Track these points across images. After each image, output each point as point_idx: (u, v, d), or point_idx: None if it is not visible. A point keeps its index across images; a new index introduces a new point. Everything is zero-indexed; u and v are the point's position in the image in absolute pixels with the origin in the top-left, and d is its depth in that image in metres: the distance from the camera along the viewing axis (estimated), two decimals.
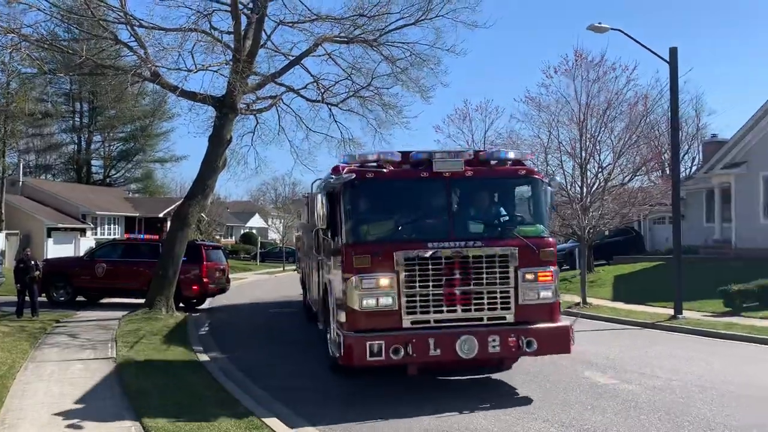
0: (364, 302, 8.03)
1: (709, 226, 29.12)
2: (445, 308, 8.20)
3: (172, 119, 52.13)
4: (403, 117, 19.44)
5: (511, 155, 9.18)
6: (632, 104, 23.84)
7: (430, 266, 8.13)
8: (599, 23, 17.68)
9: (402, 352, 7.83)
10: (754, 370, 10.52)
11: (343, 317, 8.24)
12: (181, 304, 18.84)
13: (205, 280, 19.58)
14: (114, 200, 47.88)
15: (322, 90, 18.92)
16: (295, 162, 21.27)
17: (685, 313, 16.22)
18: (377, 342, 7.81)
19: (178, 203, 25.45)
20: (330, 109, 19.34)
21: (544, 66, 33.11)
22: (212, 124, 17.95)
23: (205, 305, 20.91)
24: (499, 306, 8.33)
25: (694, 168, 45.40)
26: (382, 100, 18.88)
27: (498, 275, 8.31)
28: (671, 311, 16.31)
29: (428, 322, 8.16)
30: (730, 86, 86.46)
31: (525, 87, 79.90)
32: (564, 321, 8.75)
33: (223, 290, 21.33)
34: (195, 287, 19.52)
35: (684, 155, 47.00)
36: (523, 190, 9.24)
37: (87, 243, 37.69)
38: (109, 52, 17.79)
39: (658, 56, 17.55)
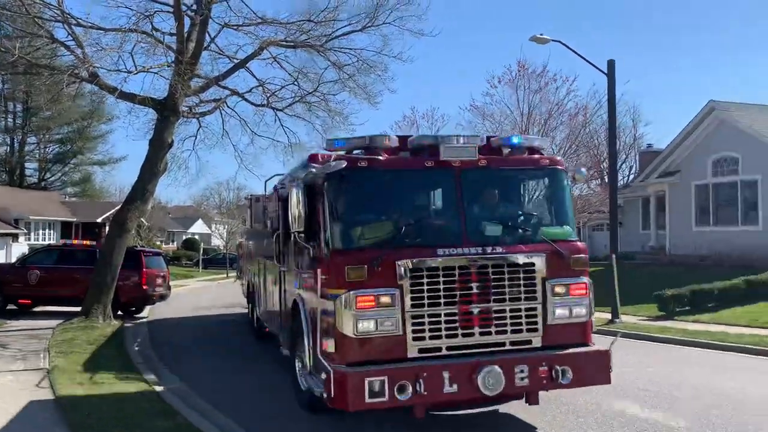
0: (361, 326, 6.41)
1: (645, 233, 30.23)
2: (460, 331, 6.67)
3: (111, 121, 50.74)
4: (350, 123, 19.43)
5: (532, 142, 7.75)
6: (573, 115, 24.63)
7: (441, 278, 6.63)
8: (541, 34, 18.12)
9: (410, 390, 6.27)
10: (686, 372, 10.92)
11: (330, 346, 6.60)
12: (119, 312, 18.27)
13: (144, 287, 19.05)
14: (49, 204, 46.13)
15: (268, 94, 18.72)
16: (240, 166, 21.04)
17: (622, 317, 16.75)
18: (378, 378, 6.20)
19: (117, 208, 24.72)
20: (276, 114, 19.15)
21: (488, 76, 33.73)
22: (153, 126, 17.52)
23: (145, 313, 20.34)
24: (524, 327, 6.89)
25: (631, 176, 47.03)
26: (328, 106, 18.81)
27: (523, 289, 6.89)
28: (609, 315, 16.80)
29: (439, 349, 6.64)
30: (665, 97, 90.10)
31: (470, 96, 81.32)
32: (598, 344, 7.38)
33: (163, 297, 20.82)
34: (134, 294, 18.98)
35: (621, 164, 48.68)
36: (546, 184, 7.82)
37: (20, 249, 36.17)
38: (45, 51, 17.12)
39: (597, 68, 18.11)
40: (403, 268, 6.56)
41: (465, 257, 6.74)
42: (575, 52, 18.14)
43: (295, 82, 18.59)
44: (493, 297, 6.79)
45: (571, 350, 6.99)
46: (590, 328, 7.31)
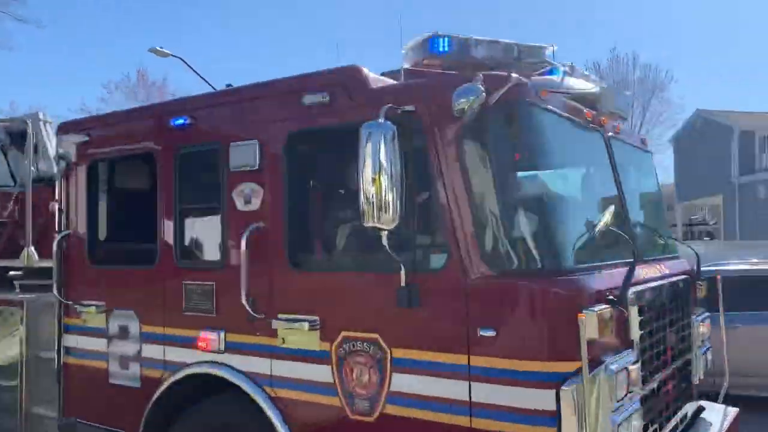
0: None
1: None
2: (663, 417, 4.01)
3: None
4: None
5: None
6: None
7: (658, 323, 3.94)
8: (161, 47, 18.53)
9: None
10: None
11: None
12: None
13: None
14: None
15: None
16: None
17: None
18: None
19: None
20: None
21: (105, 81, 32.53)
22: None
23: None
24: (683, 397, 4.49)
25: None
26: None
27: (686, 332, 4.47)
28: None
29: None
30: None
31: (82, 99, 75.90)
32: (711, 402, 5.02)
33: None
34: None
35: None
36: (645, 175, 5.26)
37: None
38: None
39: (213, 88, 19.31)
40: (637, 310, 3.56)
41: (665, 284, 4.10)
42: (194, 70, 18.99)
43: None
44: (679, 350, 4.32)
45: (723, 422, 4.67)
46: None
